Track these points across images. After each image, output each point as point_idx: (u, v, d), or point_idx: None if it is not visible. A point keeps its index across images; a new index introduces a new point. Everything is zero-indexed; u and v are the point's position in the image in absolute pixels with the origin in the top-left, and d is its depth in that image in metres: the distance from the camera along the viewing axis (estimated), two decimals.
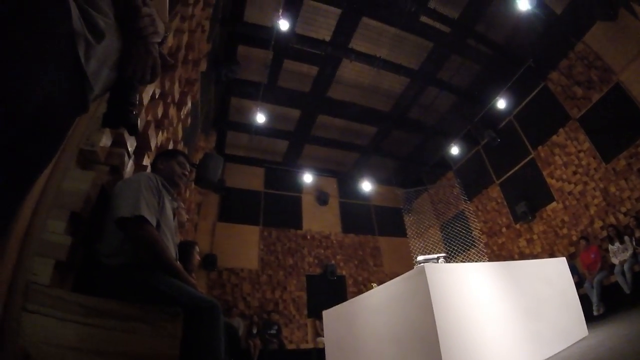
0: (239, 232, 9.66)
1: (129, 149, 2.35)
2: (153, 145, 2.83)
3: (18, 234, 1.50)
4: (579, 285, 5.44)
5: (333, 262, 10.20)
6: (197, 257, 3.16)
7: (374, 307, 3.38)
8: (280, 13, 6.61)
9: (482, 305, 2.91)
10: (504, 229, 9.13)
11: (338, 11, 7.34)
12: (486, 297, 2.99)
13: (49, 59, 0.75)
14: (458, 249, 9.36)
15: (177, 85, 3.50)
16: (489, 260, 8.81)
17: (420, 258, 4.03)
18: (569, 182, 7.62)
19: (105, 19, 0.91)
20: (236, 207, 9.93)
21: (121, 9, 0.98)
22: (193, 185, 5.50)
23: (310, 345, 8.53)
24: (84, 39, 0.83)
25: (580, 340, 3.52)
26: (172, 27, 3.11)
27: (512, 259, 8.44)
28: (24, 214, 1.53)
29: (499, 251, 9.12)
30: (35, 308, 1.53)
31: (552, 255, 7.62)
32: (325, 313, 4.29)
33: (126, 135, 2.28)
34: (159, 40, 1.08)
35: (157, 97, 2.94)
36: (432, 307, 2.55)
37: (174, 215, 2.21)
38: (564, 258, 4.15)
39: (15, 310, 1.45)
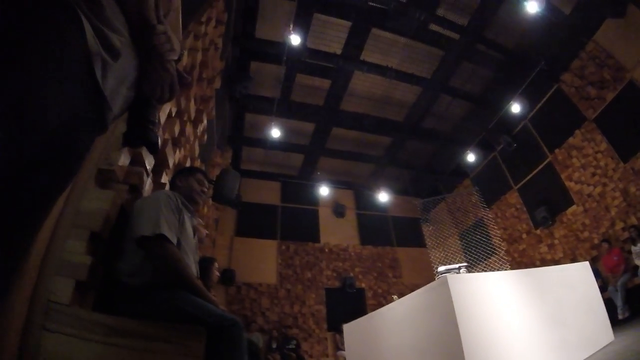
0: (257, 247, 9.66)
1: (147, 167, 2.37)
2: (171, 162, 2.85)
3: (37, 254, 1.51)
4: (602, 289, 5.29)
5: (352, 274, 10.10)
6: (216, 273, 3.16)
7: (396, 319, 3.33)
8: (291, 28, 6.69)
9: (505, 314, 2.85)
10: (524, 235, 8.94)
11: (348, 24, 7.40)
12: (510, 306, 2.93)
13: (65, 80, 0.75)
14: (478, 257, 9.19)
15: (192, 103, 3.54)
16: (510, 268, 8.62)
17: (441, 269, 3.96)
18: (588, 184, 7.45)
19: (120, 37, 0.91)
20: (253, 222, 9.94)
21: (136, 26, 0.97)
22: (210, 201, 5.53)
23: None
24: (100, 58, 0.83)
25: (606, 345, 3.43)
26: (186, 46, 3.16)
27: (534, 265, 8.24)
28: (43, 234, 1.54)
29: (520, 258, 8.91)
30: (55, 327, 1.53)
31: (574, 259, 7.42)
32: (346, 327, 4.24)
33: (144, 153, 2.30)
34: (176, 57, 1.07)
35: (173, 115, 2.97)
36: (455, 319, 2.50)
37: (194, 232, 2.21)
38: (587, 262, 4.05)
39: (36, 329, 1.45)
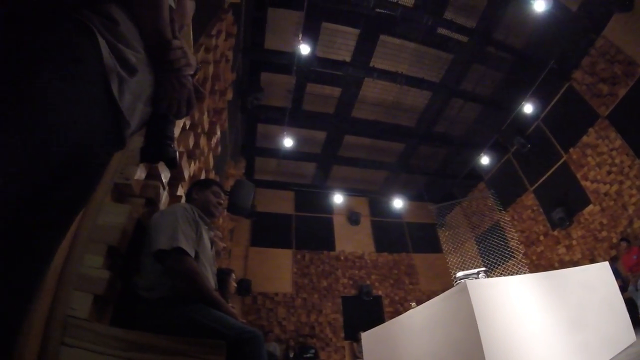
0: (272, 256, 9.66)
1: (163, 181, 2.38)
2: (186, 175, 2.87)
3: (55, 269, 1.52)
4: (623, 289, 5.14)
5: (368, 282, 10.02)
6: (234, 285, 3.16)
7: (416, 327, 3.28)
8: (300, 38, 6.73)
9: (526, 319, 2.79)
10: (541, 237, 8.77)
11: (356, 31, 7.43)
12: (530, 311, 2.87)
13: (82, 97, 0.75)
14: (496, 261, 9.06)
15: (206, 115, 3.57)
16: (528, 271, 8.49)
17: (459, 274, 3.91)
18: (604, 183, 7.30)
19: (136, 54, 0.91)
20: (268, 232, 9.95)
21: (151, 42, 0.97)
22: (225, 212, 5.56)
23: None
24: (116, 75, 0.83)
25: (628, 347, 3.35)
26: (198, 59, 3.19)
27: (552, 267, 8.10)
28: (60, 249, 1.55)
29: (538, 260, 8.75)
30: (73, 342, 1.52)
31: (592, 260, 7.27)
32: (364, 335, 4.19)
33: (160, 167, 2.31)
34: (192, 72, 1.07)
35: (187, 128, 3.00)
36: (476, 325, 2.45)
37: (211, 244, 2.20)
38: (607, 262, 3.95)
39: (54, 344, 1.45)
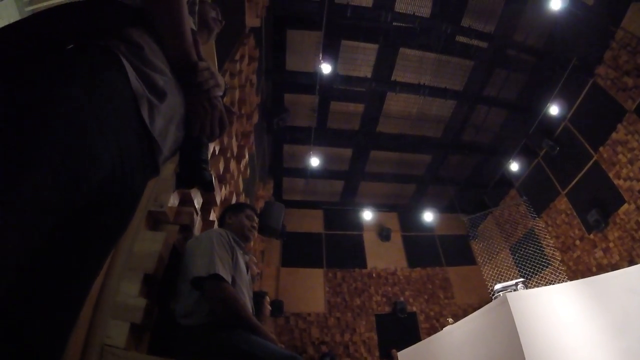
0: (304, 276, 9.59)
1: (196, 206, 2.41)
2: (218, 200, 2.90)
3: (91, 298, 1.53)
4: None
5: (402, 298, 9.79)
6: (268, 307, 3.14)
7: (455, 344, 3.18)
8: (320, 57, 6.80)
9: (569, 330, 2.68)
10: (577, 242, 8.39)
11: (375, 46, 7.45)
12: (572, 321, 2.75)
13: (113, 125, 0.74)
14: (532, 270, 8.73)
15: (234, 139, 3.63)
16: (567, 277, 8.17)
17: (497, 287, 3.78)
18: (638, 180, 6.95)
19: (164, 77, 0.90)
20: (298, 251, 9.90)
21: (177, 64, 0.96)
22: (256, 234, 5.60)
23: None
24: (146, 100, 0.83)
25: None
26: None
27: (590, 272, 7.72)
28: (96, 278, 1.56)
29: (576, 266, 8.36)
30: None
31: (631, 261, 6.90)
32: (401, 354, 4.09)
33: (193, 192, 2.34)
34: (221, 93, 1.06)
35: (217, 153, 3.04)
36: (519, 340, 2.37)
37: (247, 268, 2.19)
38: None
39: None
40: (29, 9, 2.68)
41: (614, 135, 7.41)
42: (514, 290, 3.37)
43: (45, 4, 2.73)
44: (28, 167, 0.59)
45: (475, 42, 7.43)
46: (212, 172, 2.58)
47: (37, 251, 0.63)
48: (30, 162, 0.59)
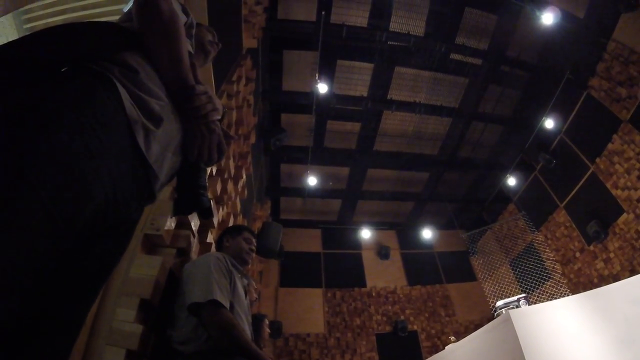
0: (302, 296, 9.49)
1: (193, 229, 2.37)
2: (215, 222, 2.86)
3: (86, 324, 1.49)
4: None
5: (402, 317, 9.67)
6: (267, 330, 3.08)
7: None
8: (316, 77, 6.87)
9: (573, 344, 2.64)
10: (577, 254, 8.35)
11: (370, 66, 7.53)
12: (577, 335, 2.72)
13: (107, 152, 0.71)
14: (533, 284, 8.67)
15: (232, 160, 3.62)
16: (568, 290, 8.14)
17: (499, 303, 3.74)
18: (635, 189, 6.97)
19: (160, 102, 0.88)
20: (297, 271, 9.81)
21: (174, 89, 0.94)
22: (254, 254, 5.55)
23: None
24: (141, 126, 0.80)
25: None
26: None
27: (592, 284, 7.70)
28: None
29: (577, 278, 8.30)
30: None
31: (633, 270, 6.89)
32: None
33: (191, 215, 2.31)
34: (219, 117, 1.03)
35: (214, 174, 3.02)
36: (524, 358, 2.34)
37: (246, 293, 2.15)
38: None
39: None
40: (28, 27, 2.70)
41: (610, 145, 7.46)
42: (517, 306, 3.33)
43: (43, 22, 2.75)
44: (16, 213, 0.57)
45: (469, 59, 7.53)
46: (210, 196, 2.57)
47: (29, 290, 0.61)
48: (20, 205, 0.57)
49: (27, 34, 0.80)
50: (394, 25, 6.98)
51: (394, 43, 6.99)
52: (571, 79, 7.55)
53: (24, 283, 0.58)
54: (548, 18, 6.20)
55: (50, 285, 0.69)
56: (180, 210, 0.98)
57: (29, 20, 2.70)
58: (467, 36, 7.24)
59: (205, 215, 1.01)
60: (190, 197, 0.96)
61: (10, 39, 0.78)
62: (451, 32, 7.18)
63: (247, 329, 1.97)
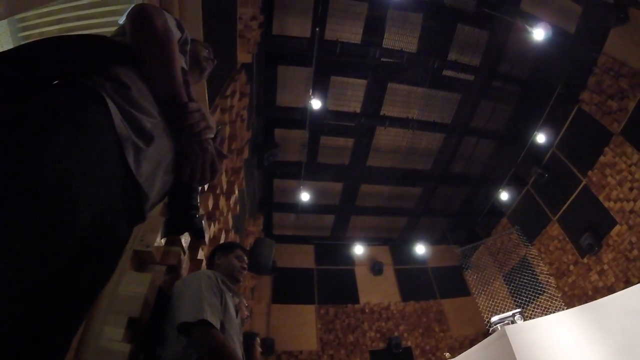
0: (295, 313, 9.38)
1: (184, 246, 2.33)
2: (207, 238, 2.82)
3: (73, 342, 1.45)
4: None
5: (396, 333, 9.58)
6: (259, 350, 3.01)
7: None
8: (310, 93, 6.91)
9: (571, 358, 2.62)
10: (571, 267, 8.35)
11: (364, 82, 7.61)
12: (574, 349, 2.70)
13: (95, 172, 0.68)
14: (528, 298, 8.65)
15: (224, 175, 3.59)
16: (563, 303, 8.11)
17: (494, 319, 3.72)
18: (628, 200, 7.01)
19: (151, 119, 0.85)
20: (289, 287, 9.71)
21: (167, 106, 0.92)
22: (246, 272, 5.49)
23: None
24: (131, 144, 0.77)
25: None
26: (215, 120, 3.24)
27: (587, 296, 7.67)
28: None
29: (571, 291, 8.29)
30: None
31: (627, 281, 6.88)
32: None
33: None
34: (212, 135, 1.01)
35: (206, 189, 2.99)
36: None
37: (237, 312, 2.10)
38: None
39: None
40: (22, 35, 2.69)
41: (601, 158, 7.53)
42: (512, 321, 3.32)
43: (38, 31, 2.74)
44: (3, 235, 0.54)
45: (462, 75, 7.65)
46: (201, 212, 2.54)
47: (14, 313, 0.58)
48: (4, 228, 0.55)
49: (21, 42, 0.79)
50: (387, 42, 7.08)
51: (387, 60, 7.09)
52: (562, 94, 7.67)
53: (10, 306, 0.56)
54: (539, 34, 6.31)
55: (35, 307, 0.66)
56: (172, 231, 0.96)
57: (24, 29, 2.69)
58: (460, 52, 7.36)
59: (198, 236, 0.98)
60: (182, 218, 0.93)
61: (5, 48, 0.76)
62: (443, 48, 7.30)
63: (238, 350, 1.92)
